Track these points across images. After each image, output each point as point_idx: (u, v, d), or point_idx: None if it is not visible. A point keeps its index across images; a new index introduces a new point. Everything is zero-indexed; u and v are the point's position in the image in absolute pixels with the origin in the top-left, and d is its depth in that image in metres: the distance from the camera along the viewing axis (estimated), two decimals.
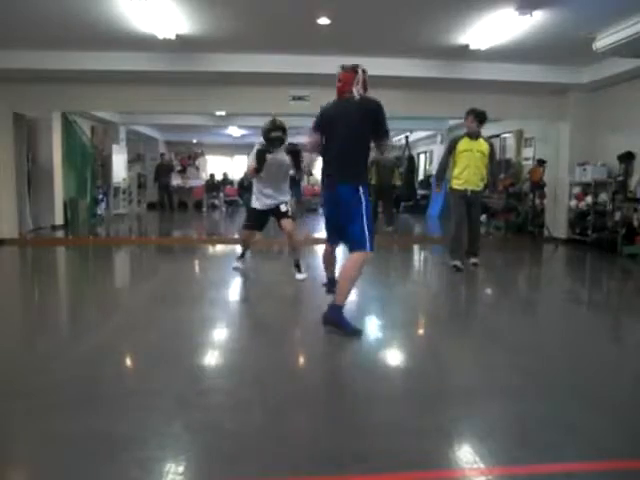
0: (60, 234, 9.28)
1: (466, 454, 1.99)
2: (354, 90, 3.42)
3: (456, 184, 5.66)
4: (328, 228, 3.74)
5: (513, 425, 2.24)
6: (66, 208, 10.21)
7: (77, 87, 7.66)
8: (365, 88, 3.50)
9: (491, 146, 5.66)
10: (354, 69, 3.47)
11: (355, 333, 3.32)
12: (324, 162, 3.64)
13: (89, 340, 3.44)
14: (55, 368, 2.87)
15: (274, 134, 4.71)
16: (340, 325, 3.32)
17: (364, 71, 3.48)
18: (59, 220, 9.87)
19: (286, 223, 4.96)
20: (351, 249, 3.41)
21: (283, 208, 4.97)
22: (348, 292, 3.36)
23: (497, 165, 5.91)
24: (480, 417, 2.33)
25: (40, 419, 2.22)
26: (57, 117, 9.79)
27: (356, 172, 3.44)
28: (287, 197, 5.08)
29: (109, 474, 1.82)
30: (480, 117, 5.53)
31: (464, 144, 5.57)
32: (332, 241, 3.76)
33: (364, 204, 3.35)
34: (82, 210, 10.86)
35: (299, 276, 4.98)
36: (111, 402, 2.41)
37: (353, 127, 3.42)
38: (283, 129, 4.75)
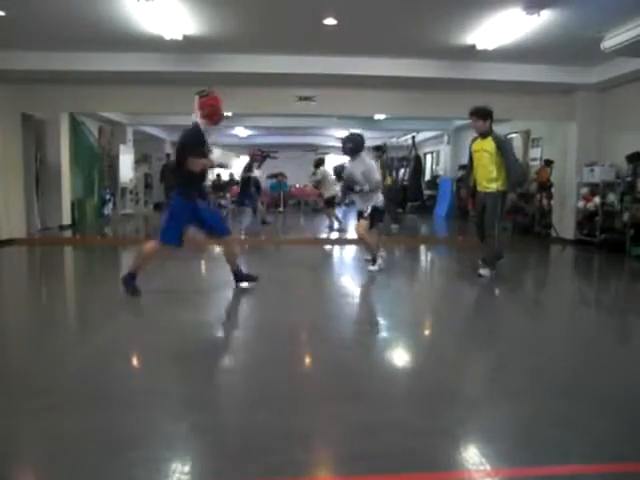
0: (68, 234, 9.33)
1: (472, 455, 1.98)
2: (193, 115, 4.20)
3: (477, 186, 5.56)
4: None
5: (520, 426, 2.23)
6: (74, 208, 10.27)
7: (85, 88, 7.70)
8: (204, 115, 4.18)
9: (498, 142, 5.25)
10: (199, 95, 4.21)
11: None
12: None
13: (96, 339, 3.46)
14: (62, 367, 2.89)
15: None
16: None
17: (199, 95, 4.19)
18: (67, 220, 9.92)
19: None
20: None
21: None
22: None
23: (515, 166, 5.44)
24: (487, 418, 2.32)
25: (48, 417, 2.23)
26: (65, 118, 9.85)
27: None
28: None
29: (116, 473, 1.83)
30: (481, 114, 5.26)
31: (476, 145, 5.45)
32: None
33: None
34: (89, 210, 10.93)
35: (371, 267, 5.55)
36: (118, 401, 2.42)
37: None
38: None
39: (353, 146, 5.58)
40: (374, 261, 5.55)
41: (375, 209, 5.54)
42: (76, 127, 10.37)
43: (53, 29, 6.05)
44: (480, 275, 5.42)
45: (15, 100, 7.72)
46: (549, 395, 2.55)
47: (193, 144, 4.13)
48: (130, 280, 4.30)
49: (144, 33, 6.06)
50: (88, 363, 2.96)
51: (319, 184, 10.50)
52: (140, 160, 14.20)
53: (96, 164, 11.36)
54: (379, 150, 10.75)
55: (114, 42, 6.47)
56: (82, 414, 2.27)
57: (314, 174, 10.58)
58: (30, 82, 7.56)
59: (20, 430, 2.17)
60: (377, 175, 5.60)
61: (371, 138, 17.16)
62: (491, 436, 2.13)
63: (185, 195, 4.20)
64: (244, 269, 4.67)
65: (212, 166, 4.43)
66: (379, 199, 5.58)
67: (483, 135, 5.31)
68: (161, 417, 2.27)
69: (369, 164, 5.60)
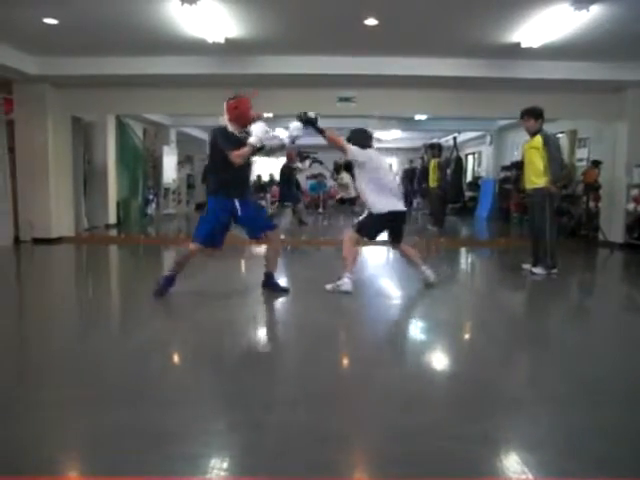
0: (113, 233, 9.62)
1: (513, 463, 1.93)
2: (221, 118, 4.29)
3: None
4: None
5: (565, 435, 2.15)
6: (119, 208, 10.59)
7: (130, 91, 7.92)
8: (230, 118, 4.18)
9: (545, 138, 5.30)
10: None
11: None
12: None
13: (137, 335, 3.55)
14: (105, 362, 2.97)
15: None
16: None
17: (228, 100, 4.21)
18: (112, 219, 10.25)
19: None
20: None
21: None
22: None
23: (557, 160, 5.32)
24: (529, 425, 2.26)
25: (89, 410, 2.31)
26: (112, 120, 10.17)
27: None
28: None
29: (155, 467, 1.87)
30: (532, 113, 5.36)
31: (526, 145, 5.58)
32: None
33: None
34: (134, 210, 11.24)
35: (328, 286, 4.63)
36: (157, 396, 2.47)
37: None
38: None
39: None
40: (339, 278, 4.56)
41: (379, 216, 4.53)
42: (122, 129, 10.68)
43: (100, 35, 6.25)
44: (533, 273, 5.45)
45: (65, 104, 8.01)
46: (597, 404, 2.45)
47: (226, 141, 4.07)
48: (166, 282, 4.29)
49: (187, 37, 6.18)
50: (129, 358, 3.04)
51: (343, 187, 10.55)
52: (183, 161, 14.50)
53: (140, 165, 11.67)
54: (434, 149, 10.58)
55: (158, 46, 6.63)
56: (122, 408, 2.33)
57: (340, 178, 10.57)
58: (79, 86, 7.84)
59: (62, 420, 2.24)
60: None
61: (411, 139, 17.06)
62: (534, 444, 2.07)
63: (219, 194, 4.18)
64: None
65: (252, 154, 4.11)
66: (384, 204, 4.54)
67: (533, 134, 5.40)
68: (199, 413, 2.30)
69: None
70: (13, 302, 4.67)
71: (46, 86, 7.67)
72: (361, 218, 4.71)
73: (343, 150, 4.65)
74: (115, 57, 7.05)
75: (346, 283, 4.48)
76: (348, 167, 4.68)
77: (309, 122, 4.48)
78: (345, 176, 10.40)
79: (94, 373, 2.78)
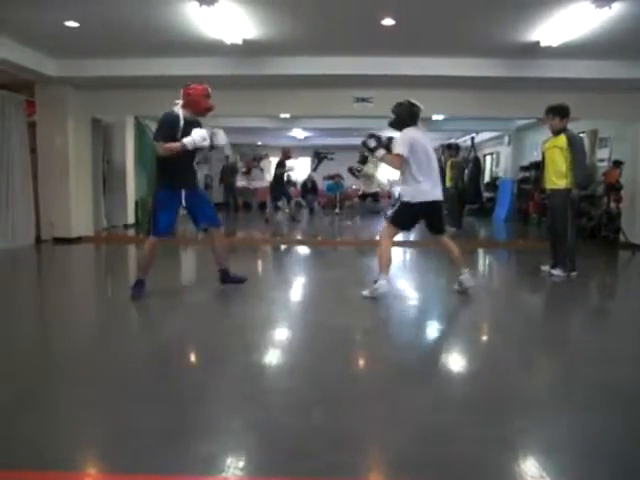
0: (131, 232, 9.73)
1: (531, 467, 1.90)
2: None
3: None
4: None
5: (585, 440, 2.12)
6: (137, 208, 10.70)
7: (149, 92, 7.98)
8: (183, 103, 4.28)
9: (570, 138, 5.20)
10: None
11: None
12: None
13: (156, 334, 3.58)
14: (124, 360, 3.01)
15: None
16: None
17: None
18: (131, 219, 10.37)
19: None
20: None
21: None
22: None
23: (582, 163, 5.22)
24: (548, 429, 2.22)
25: (110, 407, 2.34)
26: (130, 121, 10.28)
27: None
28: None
29: (172, 464, 1.88)
30: (558, 111, 5.24)
31: (547, 143, 5.47)
32: None
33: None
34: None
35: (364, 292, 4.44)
36: (174, 395, 2.49)
37: None
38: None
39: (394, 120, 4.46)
40: (375, 281, 4.36)
41: (409, 206, 4.30)
42: (140, 130, 10.79)
43: (120, 38, 6.34)
44: (551, 275, 5.37)
45: (86, 105, 8.13)
46: (617, 408, 2.41)
47: (159, 130, 4.22)
48: (139, 286, 4.30)
49: (205, 38, 6.22)
50: (149, 356, 3.07)
51: (367, 178, 10.59)
52: (200, 161, 14.57)
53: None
54: (451, 149, 10.53)
55: (176, 48, 6.69)
56: (141, 406, 2.35)
57: (366, 167, 10.58)
58: (99, 88, 7.94)
59: (85, 417, 2.27)
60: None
61: (429, 139, 16.97)
62: (553, 448, 2.04)
63: (165, 186, 4.31)
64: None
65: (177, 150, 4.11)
66: (418, 191, 4.26)
67: (556, 133, 5.27)
68: (216, 413, 2.32)
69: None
70: (36, 301, 4.76)
71: (67, 88, 7.79)
72: (394, 208, 4.53)
73: (397, 163, 4.33)
74: (134, 59, 7.13)
75: (382, 285, 4.30)
76: (386, 146, 4.35)
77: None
78: (372, 167, 10.31)
79: (112, 371, 2.81)
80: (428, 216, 4.41)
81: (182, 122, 4.17)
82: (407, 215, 4.38)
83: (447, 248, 4.56)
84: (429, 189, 4.30)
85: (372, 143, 4.37)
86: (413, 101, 4.41)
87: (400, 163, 4.27)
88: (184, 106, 4.27)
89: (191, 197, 4.38)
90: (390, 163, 4.39)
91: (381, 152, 4.35)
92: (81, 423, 2.24)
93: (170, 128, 4.15)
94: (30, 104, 7.78)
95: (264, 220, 11.57)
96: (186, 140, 4.06)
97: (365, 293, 4.36)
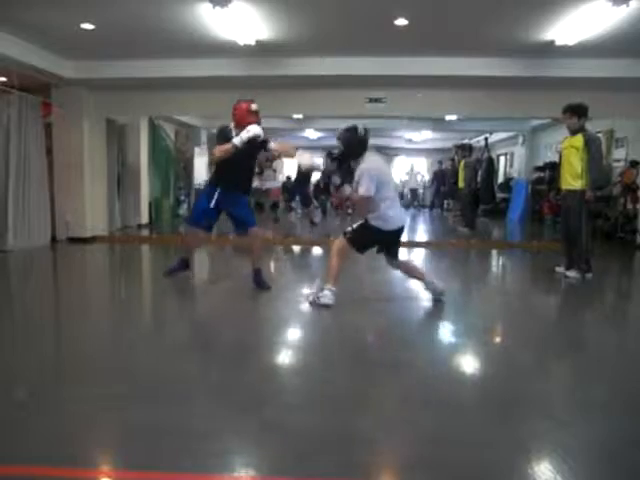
0: (145, 233, 9.80)
1: (545, 471, 1.88)
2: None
3: None
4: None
5: (600, 444, 2.10)
6: (151, 208, 10.78)
7: (163, 93, 8.06)
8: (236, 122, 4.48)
9: (587, 138, 5.14)
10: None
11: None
12: None
13: (168, 334, 3.60)
14: (135, 360, 3.03)
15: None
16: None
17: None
18: (145, 219, 10.45)
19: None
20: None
21: None
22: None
23: (598, 164, 5.16)
24: (563, 433, 2.20)
25: (120, 408, 2.35)
26: (144, 122, 10.37)
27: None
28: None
29: (186, 464, 1.89)
30: (575, 110, 5.20)
31: (564, 143, 5.43)
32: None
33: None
34: (165, 210, 11.43)
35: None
36: (187, 394, 2.50)
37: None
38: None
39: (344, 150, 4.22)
40: (321, 289, 4.16)
41: (377, 231, 4.03)
42: (154, 130, 10.88)
43: (134, 39, 6.39)
44: (567, 276, 5.33)
45: (101, 106, 8.21)
46: (633, 412, 2.38)
47: (218, 137, 4.54)
48: (178, 266, 4.91)
49: (218, 39, 6.25)
50: (161, 355, 3.08)
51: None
52: (214, 162, 14.65)
53: (172, 166, 11.86)
54: (464, 149, 10.45)
55: (190, 49, 6.73)
56: (154, 405, 2.37)
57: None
58: (114, 89, 8.01)
59: (95, 416, 2.29)
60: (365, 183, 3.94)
61: (442, 139, 16.88)
62: (567, 452, 2.01)
63: (209, 182, 4.83)
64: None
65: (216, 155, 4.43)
66: (384, 218, 4.01)
67: (574, 132, 5.23)
68: (229, 412, 2.33)
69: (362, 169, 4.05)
70: (55, 300, 4.81)
71: (82, 89, 7.88)
72: (356, 227, 4.14)
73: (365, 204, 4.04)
74: (148, 60, 7.18)
75: (326, 296, 4.05)
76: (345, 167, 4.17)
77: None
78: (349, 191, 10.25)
79: (125, 370, 2.83)
80: (391, 241, 4.20)
81: (234, 133, 4.38)
82: (371, 239, 4.11)
83: (407, 268, 4.42)
84: (398, 214, 4.14)
85: (337, 180, 4.21)
86: (357, 126, 4.22)
87: (367, 202, 3.98)
88: (233, 121, 4.52)
89: (225, 199, 4.55)
90: (358, 204, 4.14)
91: (347, 189, 4.14)
92: (93, 421, 2.25)
93: (225, 139, 4.39)
94: (46, 105, 7.87)
95: (273, 219, 11.48)
96: (235, 139, 4.24)
97: (308, 296, 4.28)
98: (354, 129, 4.17)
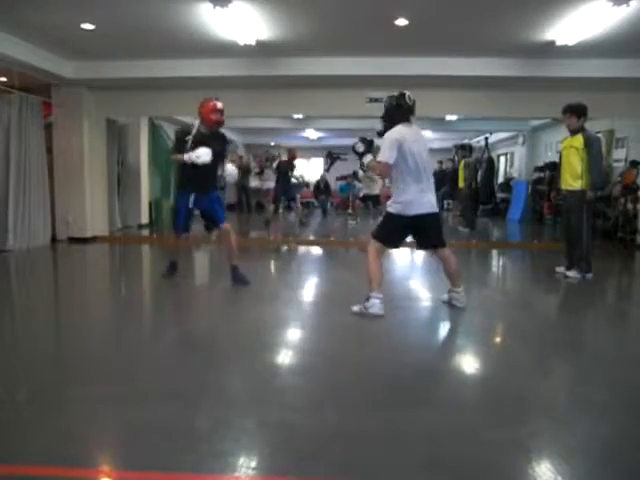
0: (145, 233, 9.80)
1: (546, 471, 1.88)
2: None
3: None
4: None
5: (601, 444, 2.09)
6: (151, 208, 10.78)
7: (163, 93, 8.06)
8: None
9: (587, 138, 5.13)
10: None
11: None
12: None
13: (168, 334, 3.60)
14: (135, 360, 3.02)
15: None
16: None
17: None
18: (145, 219, 10.44)
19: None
20: None
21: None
22: None
23: (598, 165, 5.13)
24: (563, 433, 2.20)
25: (122, 407, 2.35)
26: (144, 122, 10.36)
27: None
28: None
29: (186, 463, 1.89)
30: (575, 110, 5.19)
31: (564, 143, 5.44)
32: None
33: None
34: (165, 210, 11.41)
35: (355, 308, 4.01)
36: (189, 396, 2.50)
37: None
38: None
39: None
40: (367, 299, 3.84)
41: (394, 218, 3.82)
42: (154, 131, 10.87)
43: (134, 39, 6.39)
44: (567, 276, 5.34)
45: (101, 106, 8.21)
46: (634, 412, 2.38)
47: (175, 142, 4.95)
48: (170, 269, 5.07)
49: (219, 39, 6.25)
50: (160, 356, 3.08)
51: (369, 180, 10.54)
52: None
53: (172, 166, 11.83)
54: (464, 149, 10.44)
55: (190, 49, 6.73)
56: (154, 405, 2.37)
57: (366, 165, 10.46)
58: (114, 89, 8.01)
59: (95, 416, 2.29)
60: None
61: (442, 140, 16.88)
62: (568, 453, 2.01)
63: (179, 187, 5.05)
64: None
65: (181, 160, 4.66)
66: (406, 205, 3.77)
67: (573, 133, 5.24)
68: (229, 412, 2.32)
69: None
70: (56, 299, 4.82)
71: (82, 89, 7.88)
72: (379, 221, 4.01)
73: (383, 171, 3.94)
74: (148, 60, 7.18)
75: (375, 305, 3.80)
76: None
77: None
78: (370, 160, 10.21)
79: (125, 370, 2.83)
80: (419, 231, 3.91)
81: (194, 134, 4.73)
82: (392, 230, 3.86)
83: (447, 262, 4.05)
84: (418, 199, 3.77)
85: (360, 148, 3.97)
86: (404, 93, 3.89)
87: (386, 170, 3.81)
88: (201, 121, 4.81)
89: (200, 201, 4.80)
90: (376, 171, 4.07)
91: (368, 158, 3.94)
92: (94, 421, 2.25)
93: (179, 140, 4.81)
94: (47, 105, 7.87)
95: (264, 222, 10.47)
96: (186, 156, 4.58)
97: (354, 309, 3.91)
98: (399, 95, 3.88)
